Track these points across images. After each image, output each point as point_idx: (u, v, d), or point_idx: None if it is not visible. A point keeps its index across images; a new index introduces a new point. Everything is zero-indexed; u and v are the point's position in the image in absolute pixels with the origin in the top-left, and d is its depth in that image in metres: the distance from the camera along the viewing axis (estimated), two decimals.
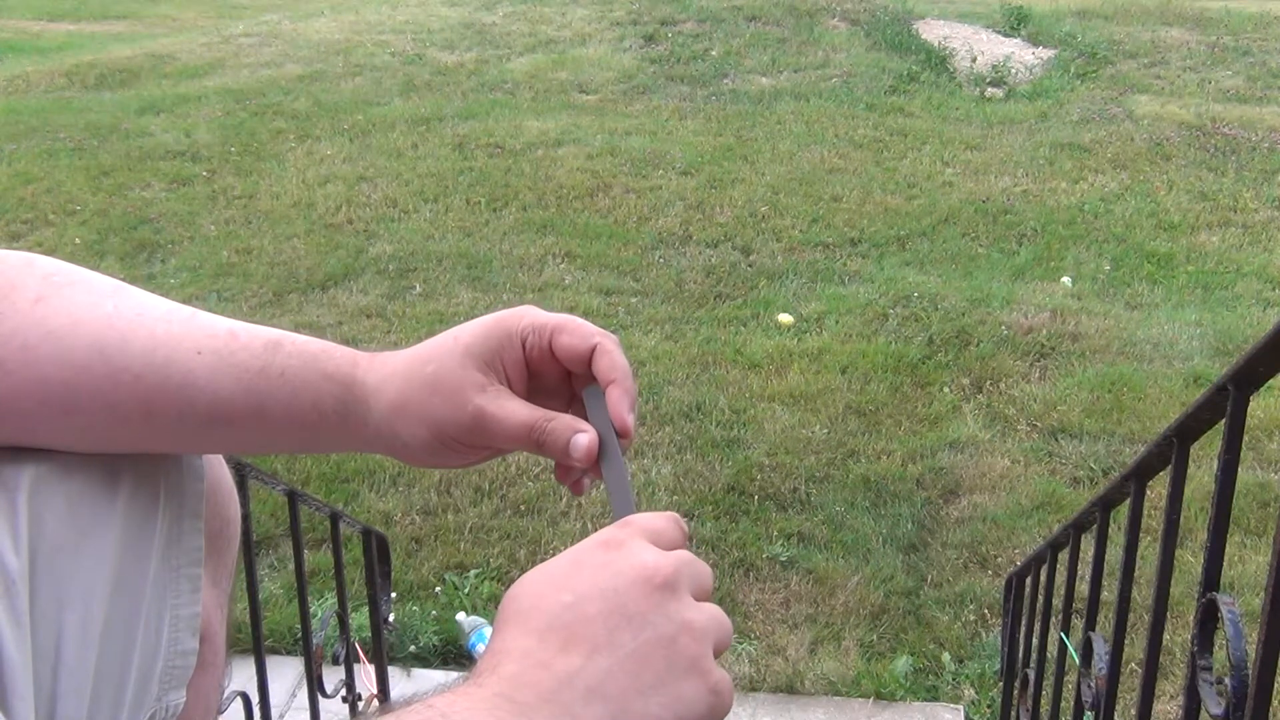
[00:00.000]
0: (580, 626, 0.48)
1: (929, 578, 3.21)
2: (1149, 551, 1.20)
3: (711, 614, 0.51)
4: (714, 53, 8.93)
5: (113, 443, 0.58)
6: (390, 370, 0.61)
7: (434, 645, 2.88)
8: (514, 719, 0.45)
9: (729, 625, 0.53)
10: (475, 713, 0.45)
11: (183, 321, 0.60)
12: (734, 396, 4.14)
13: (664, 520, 0.55)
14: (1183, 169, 6.80)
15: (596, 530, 0.54)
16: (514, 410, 0.60)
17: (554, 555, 0.52)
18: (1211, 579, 0.97)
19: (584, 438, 0.60)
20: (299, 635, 2.35)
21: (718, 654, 0.51)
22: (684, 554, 0.53)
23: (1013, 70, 8.63)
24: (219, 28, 10.67)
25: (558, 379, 0.64)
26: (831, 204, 6.16)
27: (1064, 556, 1.84)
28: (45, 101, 8.09)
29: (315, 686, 1.88)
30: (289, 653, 2.79)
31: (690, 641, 0.49)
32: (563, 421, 0.61)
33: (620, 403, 0.61)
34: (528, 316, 0.63)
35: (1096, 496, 1.57)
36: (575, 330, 0.62)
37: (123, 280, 0.62)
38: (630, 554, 0.51)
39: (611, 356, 0.62)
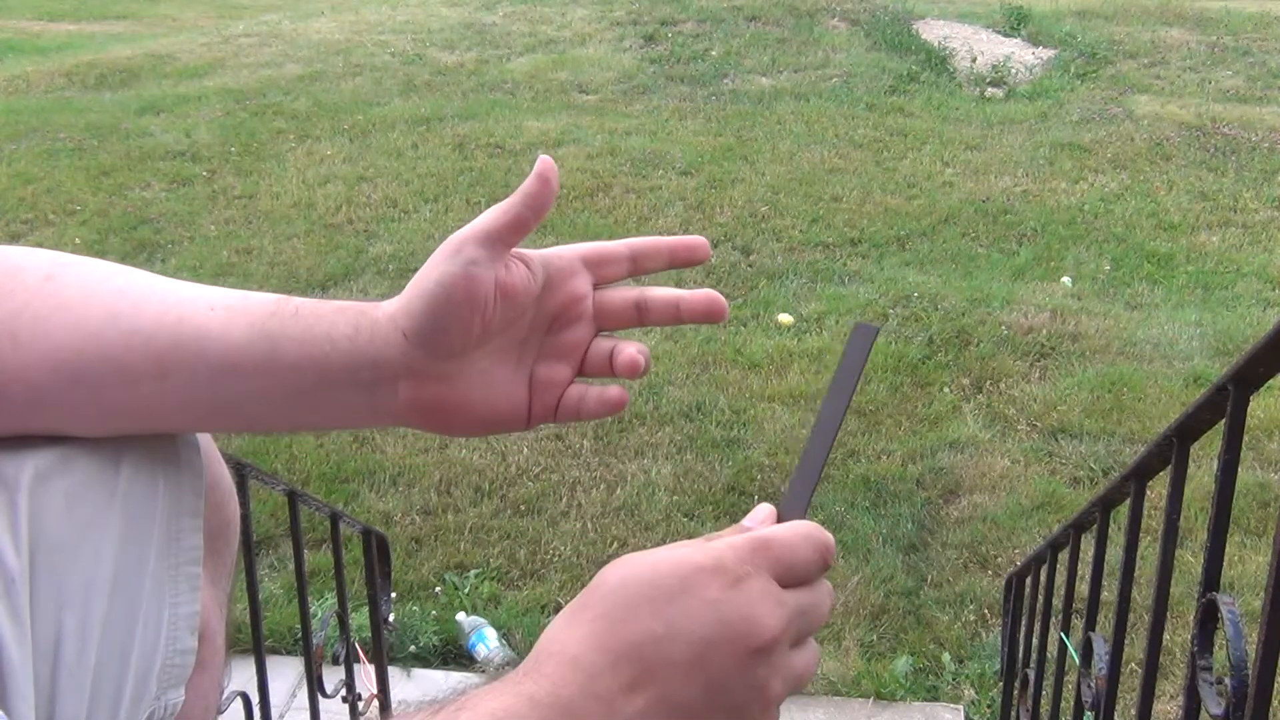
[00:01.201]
0: (658, 668, 0.45)
1: (929, 578, 3.21)
2: (1149, 551, 1.20)
3: (799, 673, 0.49)
4: (714, 53, 8.93)
5: (122, 408, 0.58)
6: (398, 299, 0.61)
7: (434, 645, 2.88)
8: None
9: (812, 671, 0.50)
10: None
11: (192, 288, 0.60)
12: (734, 396, 4.14)
13: (808, 548, 0.50)
14: (1183, 169, 6.80)
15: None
16: (539, 252, 0.60)
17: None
18: (1211, 579, 0.97)
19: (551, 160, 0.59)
20: (299, 635, 2.35)
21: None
22: (803, 602, 0.50)
23: (1013, 70, 8.63)
24: (219, 28, 10.67)
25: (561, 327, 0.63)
26: (831, 204, 6.16)
27: (1064, 556, 1.84)
28: (45, 101, 8.09)
29: (315, 686, 1.88)
30: (289, 653, 2.79)
31: (757, 711, 0.47)
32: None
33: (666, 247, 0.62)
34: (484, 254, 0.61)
35: (1096, 496, 1.57)
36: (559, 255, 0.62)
37: None
38: (742, 601, 0.47)
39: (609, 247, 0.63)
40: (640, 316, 0.64)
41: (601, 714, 0.45)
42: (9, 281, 0.57)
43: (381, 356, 0.59)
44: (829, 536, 0.51)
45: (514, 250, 0.60)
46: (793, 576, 0.49)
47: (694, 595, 0.46)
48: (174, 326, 0.57)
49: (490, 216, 0.59)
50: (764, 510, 0.56)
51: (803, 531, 0.51)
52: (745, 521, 0.56)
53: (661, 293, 0.64)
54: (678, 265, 0.64)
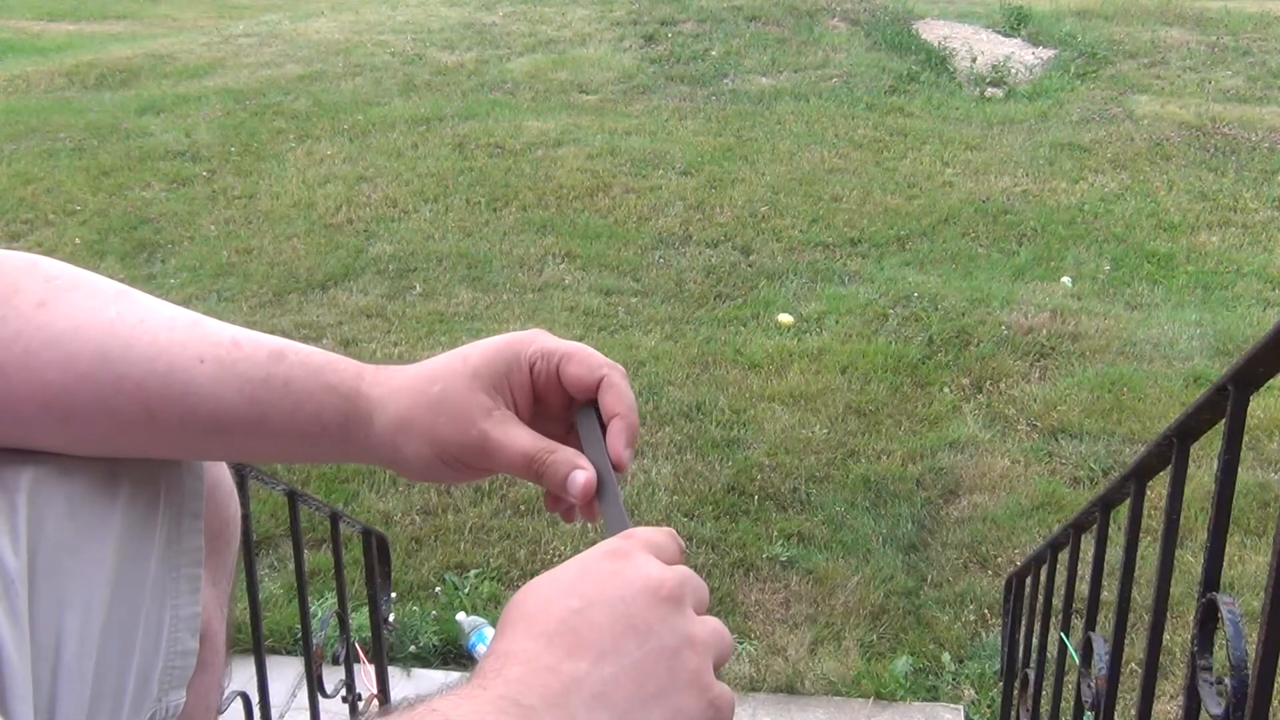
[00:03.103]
0: (587, 632, 0.48)
1: (929, 578, 3.21)
2: (1149, 551, 1.20)
3: (713, 628, 0.52)
4: (714, 53, 8.93)
5: (113, 448, 0.58)
6: (396, 385, 0.61)
7: (434, 645, 2.88)
8: None
9: (730, 640, 0.53)
10: (481, 715, 0.45)
11: (186, 328, 0.59)
12: (734, 396, 4.14)
13: (663, 535, 0.55)
14: (1183, 169, 6.80)
15: (595, 529, 0.54)
16: (517, 437, 0.61)
17: (554, 555, 0.53)
18: (1211, 579, 0.97)
19: (581, 475, 0.61)
20: (299, 635, 2.35)
21: (718, 668, 0.51)
22: (685, 569, 0.53)
23: (1013, 70, 8.63)
24: (219, 28, 10.67)
25: (562, 405, 0.64)
26: (831, 204, 6.16)
27: (1064, 557, 1.84)
28: (45, 101, 8.09)
29: (315, 686, 1.88)
30: (289, 653, 2.79)
31: (693, 655, 0.49)
32: (564, 455, 0.61)
33: (619, 437, 0.62)
34: (537, 342, 0.63)
35: (1096, 496, 1.57)
36: (584, 360, 0.62)
37: (124, 281, 0.62)
38: (636, 565, 0.51)
39: (618, 390, 0.62)
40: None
41: (553, 682, 0.46)
42: (2, 306, 0.56)
43: (375, 455, 0.62)
44: (670, 529, 0.57)
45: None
46: (662, 555, 0.53)
47: (593, 572, 0.51)
48: (163, 377, 0.57)
49: (522, 455, 0.62)
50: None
51: (652, 527, 0.56)
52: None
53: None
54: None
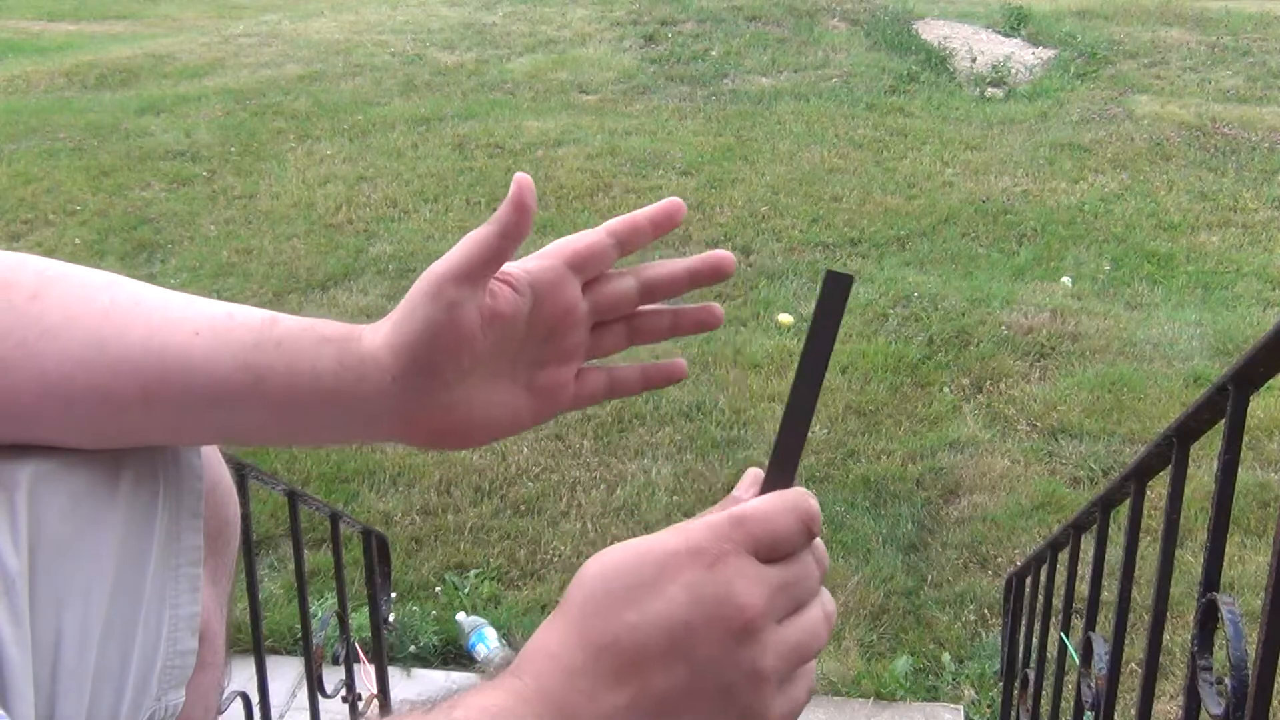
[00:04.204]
0: (638, 657, 0.45)
1: (929, 578, 3.21)
2: (1149, 551, 1.20)
3: (794, 643, 0.48)
4: (714, 53, 8.93)
5: (113, 433, 0.58)
6: (390, 316, 0.60)
7: (434, 645, 2.88)
8: None
9: (816, 644, 0.49)
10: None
11: (180, 307, 0.59)
12: (734, 396, 4.14)
13: (789, 519, 0.48)
14: (1183, 169, 6.80)
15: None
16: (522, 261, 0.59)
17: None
18: (1211, 579, 0.97)
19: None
20: (299, 635, 2.35)
21: (802, 664, 0.48)
22: (787, 576, 0.48)
23: (1013, 70, 8.63)
24: (219, 28, 10.67)
25: (573, 341, 0.62)
26: (831, 204, 6.16)
27: (1064, 557, 1.84)
28: (45, 101, 8.10)
29: (315, 686, 1.88)
30: (289, 653, 2.79)
31: (748, 690, 0.46)
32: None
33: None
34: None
35: (1096, 496, 1.57)
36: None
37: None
38: (721, 580, 0.46)
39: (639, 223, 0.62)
40: (644, 298, 0.63)
41: (587, 707, 0.45)
42: None
43: (370, 396, 0.58)
44: (812, 503, 0.50)
45: (499, 271, 0.58)
46: (774, 550, 0.48)
47: (670, 581, 0.46)
48: (158, 354, 0.57)
49: (466, 251, 0.56)
50: (752, 475, 0.55)
51: (783, 502, 0.49)
52: (736, 490, 0.55)
53: (661, 267, 0.63)
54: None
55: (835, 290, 0.52)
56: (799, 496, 0.49)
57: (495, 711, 0.45)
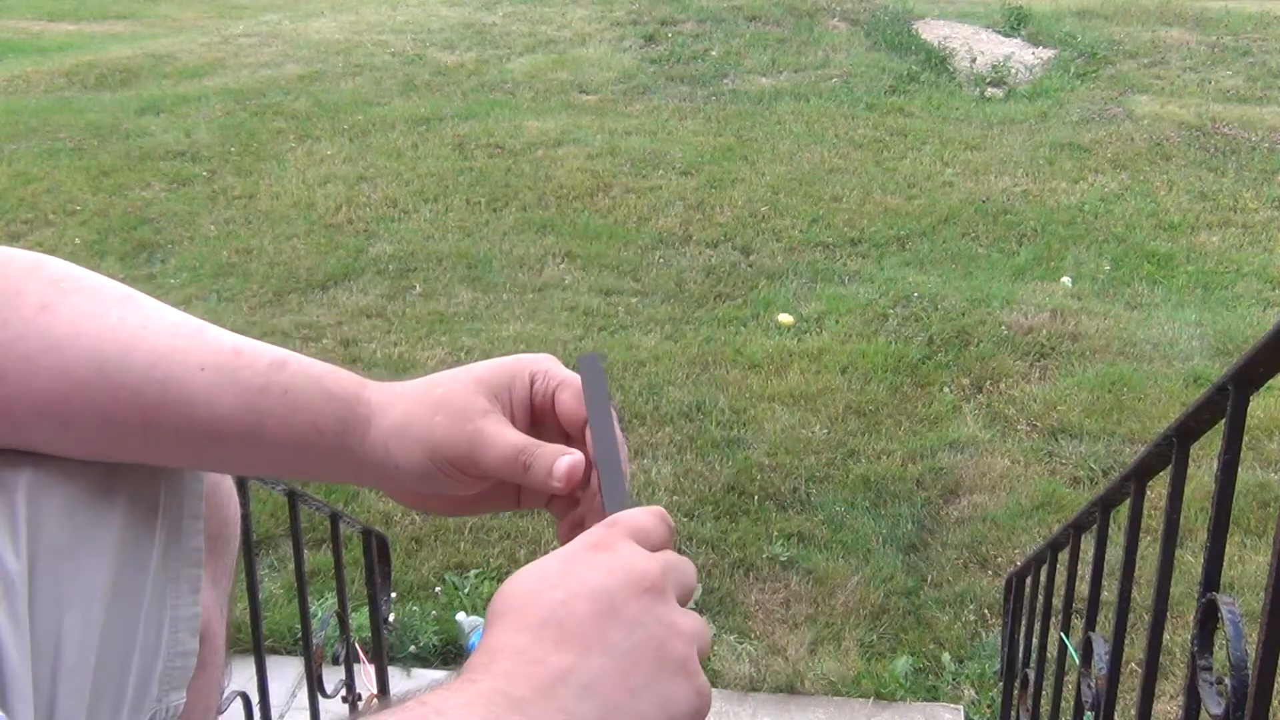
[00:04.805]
0: (573, 624, 0.48)
1: (929, 578, 3.21)
2: (1149, 551, 1.20)
3: (695, 619, 0.52)
4: (714, 53, 8.93)
5: (109, 453, 0.58)
6: (399, 392, 0.62)
7: (434, 645, 2.88)
8: (510, 715, 0.45)
9: (709, 632, 0.54)
10: (471, 709, 0.45)
11: (188, 336, 0.59)
12: (734, 396, 4.14)
13: (651, 518, 0.55)
14: (1183, 169, 6.81)
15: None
16: (510, 434, 0.61)
17: (551, 554, 0.52)
18: (1211, 579, 0.97)
19: (566, 460, 0.60)
20: (299, 635, 2.35)
21: (701, 659, 0.51)
22: (670, 556, 0.53)
23: (1013, 70, 8.63)
24: (219, 28, 10.67)
25: (559, 435, 0.64)
26: (831, 204, 6.16)
27: (1064, 556, 1.84)
28: (45, 101, 8.10)
29: (315, 686, 1.88)
30: (289, 653, 2.79)
31: (679, 644, 0.50)
32: (552, 448, 0.61)
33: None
34: (544, 363, 0.64)
35: (1096, 496, 1.57)
36: (579, 392, 0.63)
37: (124, 281, 0.61)
38: (619, 556, 0.51)
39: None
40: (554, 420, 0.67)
41: (542, 674, 0.46)
42: (4, 309, 0.56)
43: (367, 465, 0.62)
44: (660, 507, 0.56)
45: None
46: (649, 540, 0.53)
47: (576, 564, 0.51)
48: (160, 384, 0.57)
49: (511, 457, 0.61)
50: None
51: (642, 509, 0.55)
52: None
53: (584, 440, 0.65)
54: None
55: (590, 370, 0.61)
56: (653, 507, 0.56)
57: (439, 705, 0.45)
